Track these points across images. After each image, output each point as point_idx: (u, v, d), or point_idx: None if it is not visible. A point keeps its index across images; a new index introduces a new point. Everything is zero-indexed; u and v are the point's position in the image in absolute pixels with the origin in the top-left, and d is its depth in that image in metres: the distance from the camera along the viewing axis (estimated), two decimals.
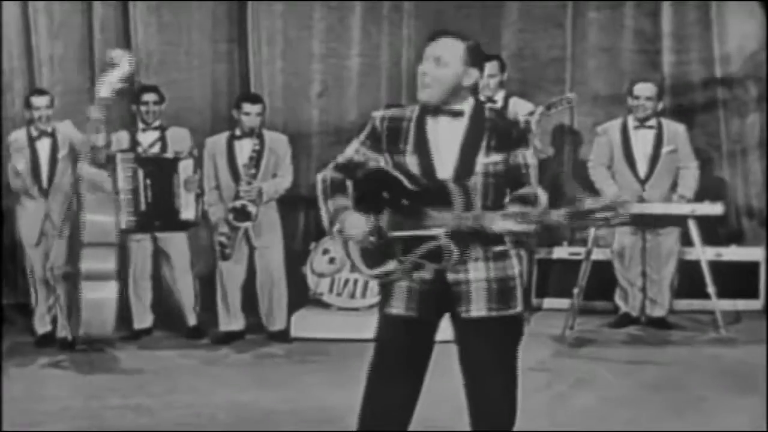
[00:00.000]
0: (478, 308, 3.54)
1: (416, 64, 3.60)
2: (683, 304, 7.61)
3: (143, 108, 7.08)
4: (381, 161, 3.64)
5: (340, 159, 3.74)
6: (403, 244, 3.54)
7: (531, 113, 7.00)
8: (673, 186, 7.32)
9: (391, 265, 3.56)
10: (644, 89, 7.27)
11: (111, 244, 6.14)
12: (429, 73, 3.54)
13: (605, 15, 8.44)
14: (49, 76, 7.95)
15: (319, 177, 3.76)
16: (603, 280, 7.48)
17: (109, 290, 6.08)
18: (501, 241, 3.57)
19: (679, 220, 7.16)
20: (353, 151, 3.71)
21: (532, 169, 3.61)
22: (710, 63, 8.32)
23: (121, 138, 7.07)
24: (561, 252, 7.96)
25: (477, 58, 3.59)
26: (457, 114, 3.58)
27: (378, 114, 3.70)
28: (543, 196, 3.68)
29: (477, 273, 3.54)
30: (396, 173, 3.58)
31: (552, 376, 5.94)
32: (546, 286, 8.03)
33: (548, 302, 7.98)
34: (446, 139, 3.56)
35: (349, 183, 3.71)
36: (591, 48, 8.47)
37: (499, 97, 7.34)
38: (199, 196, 6.98)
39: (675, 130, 7.37)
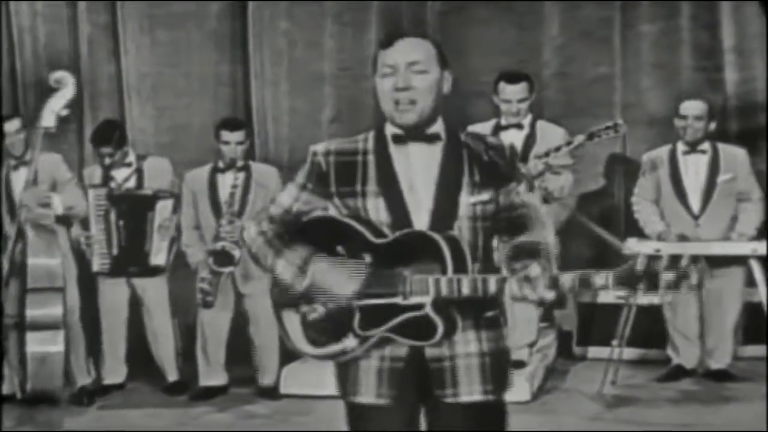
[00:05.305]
0: (470, 391, 2.72)
1: None
2: (749, 350, 6.73)
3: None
4: (330, 209, 2.82)
5: (273, 210, 2.87)
6: (362, 314, 2.69)
7: (569, 143, 6.12)
8: (734, 219, 6.38)
9: (348, 342, 2.71)
10: (692, 108, 6.34)
11: (57, 290, 5.55)
12: (413, 85, 2.74)
13: (658, 27, 7.49)
14: (33, 101, 7.27)
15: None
16: (655, 326, 6.62)
17: (56, 340, 5.49)
18: (494, 305, 2.76)
19: (742, 259, 6.21)
20: (290, 198, 2.85)
21: (533, 209, 2.80)
22: None
23: (94, 172, 6.37)
24: (606, 295, 6.96)
25: (445, 57, 2.84)
26: (434, 138, 2.78)
27: (319, 148, 2.85)
28: (553, 244, 2.79)
29: (466, 346, 2.72)
30: (352, 222, 2.75)
31: None
32: (590, 334, 7.14)
33: (593, 351, 7.05)
34: (419, 174, 2.76)
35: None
36: (643, 65, 7.53)
37: (526, 121, 6.40)
38: (174, 241, 6.27)
39: (733, 155, 6.42)
